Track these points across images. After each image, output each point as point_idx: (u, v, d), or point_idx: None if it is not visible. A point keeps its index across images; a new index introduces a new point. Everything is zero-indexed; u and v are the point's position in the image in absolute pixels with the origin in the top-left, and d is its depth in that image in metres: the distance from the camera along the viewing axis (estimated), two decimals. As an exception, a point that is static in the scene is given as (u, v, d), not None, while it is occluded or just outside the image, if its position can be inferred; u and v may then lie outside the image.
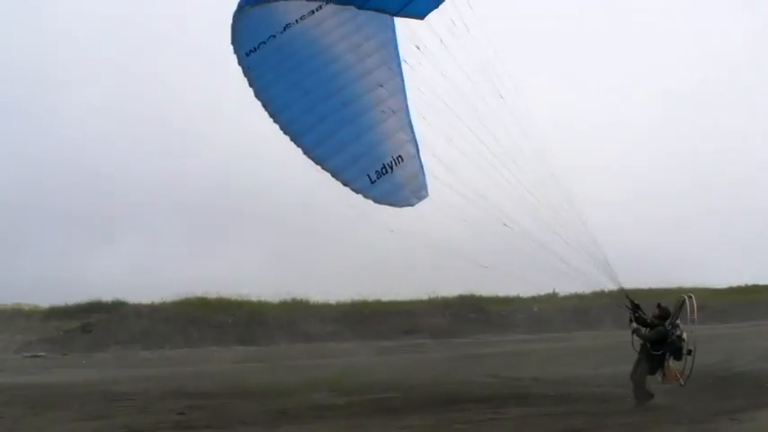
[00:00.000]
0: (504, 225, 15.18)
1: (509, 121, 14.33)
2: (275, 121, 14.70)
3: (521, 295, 47.23)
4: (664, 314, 16.67)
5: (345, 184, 14.79)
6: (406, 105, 14.74)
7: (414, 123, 14.83)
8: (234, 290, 43.79)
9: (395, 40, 14.53)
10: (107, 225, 56.16)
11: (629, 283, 17.26)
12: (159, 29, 70.12)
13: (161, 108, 62.59)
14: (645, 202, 63.50)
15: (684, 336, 16.13)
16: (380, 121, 14.64)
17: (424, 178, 15.04)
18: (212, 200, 55.19)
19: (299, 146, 14.68)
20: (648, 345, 16.46)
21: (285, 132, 14.69)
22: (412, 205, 15.15)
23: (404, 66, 14.58)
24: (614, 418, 14.83)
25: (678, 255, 54.15)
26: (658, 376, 16.76)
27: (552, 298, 47.65)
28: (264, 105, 14.69)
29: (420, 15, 13.03)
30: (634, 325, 16.69)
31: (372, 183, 14.63)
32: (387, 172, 14.61)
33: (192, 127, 61.55)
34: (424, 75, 14.22)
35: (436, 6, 12.91)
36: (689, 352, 15.93)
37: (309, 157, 14.69)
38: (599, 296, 46.89)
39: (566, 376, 22.14)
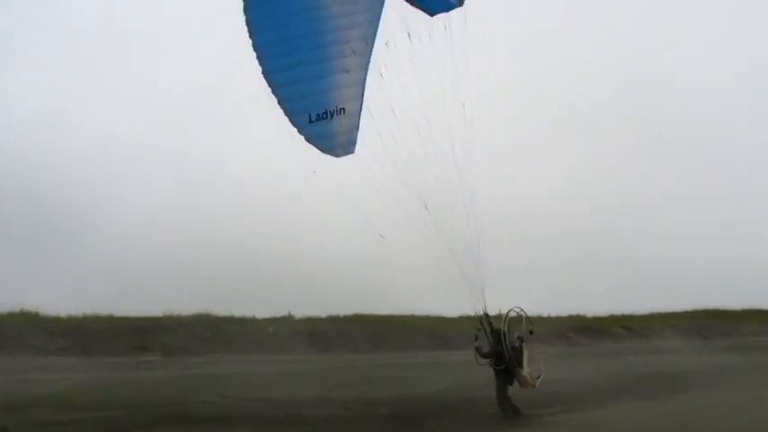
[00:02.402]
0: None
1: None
2: (250, 39, 15.66)
3: (256, 316, 47.18)
4: (498, 334, 17.91)
5: (287, 115, 15.93)
6: (366, 71, 15.88)
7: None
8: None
9: (380, 16, 15.75)
10: None
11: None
12: None
13: None
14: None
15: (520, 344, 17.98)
16: (337, 72, 15.86)
17: (356, 137, 16.18)
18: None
19: (261, 67, 15.70)
20: (492, 361, 17.86)
21: (254, 51, 15.68)
22: (337, 156, 16.36)
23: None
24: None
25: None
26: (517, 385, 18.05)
27: (287, 320, 47.90)
28: (246, 22, 15.65)
29: (431, 12, 15.85)
30: (476, 343, 18.14)
31: (310, 122, 15.77)
32: (326, 118, 15.77)
33: None
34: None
35: (447, 11, 15.72)
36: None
37: (266, 79, 15.77)
38: (334, 320, 48.00)
39: (297, 398, 22.29)
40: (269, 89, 15.88)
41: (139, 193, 57.60)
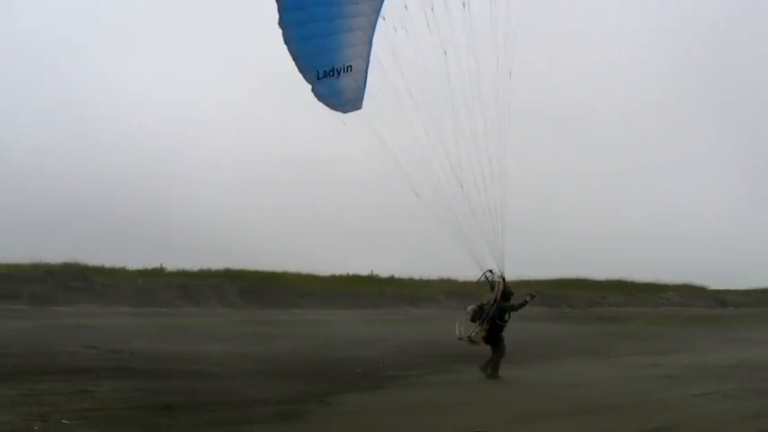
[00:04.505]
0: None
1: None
2: None
3: (127, 267, 46.46)
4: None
5: (300, 71, 16.50)
6: (373, 30, 16.41)
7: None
8: None
9: None
10: None
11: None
12: None
13: None
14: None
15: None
16: (346, 31, 16.28)
17: (363, 94, 16.97)
18: None
19: (280, 19, 15.75)
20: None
21: (278, 4, 15.65)
22: (345, 112, 17.33)
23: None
24: (208, 396, 14.98)
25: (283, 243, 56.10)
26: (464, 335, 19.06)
27: (159, 272, 47.34)
28: None
29: None
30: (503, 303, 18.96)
31: (318, 79, 16.44)
32: (333, 75, 16.40)
33: None
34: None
35: None
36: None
37: (283, 33, 15.88)
38: (206, 274, 47.65)
39: (164, 352, 22.12)
40: (285, 45, 16.11)
41: (5, 136, 55.84)
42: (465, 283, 58.38)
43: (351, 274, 55.08)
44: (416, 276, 56.82)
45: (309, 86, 16.75)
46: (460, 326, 19.20)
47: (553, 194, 66.88)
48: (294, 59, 16.31)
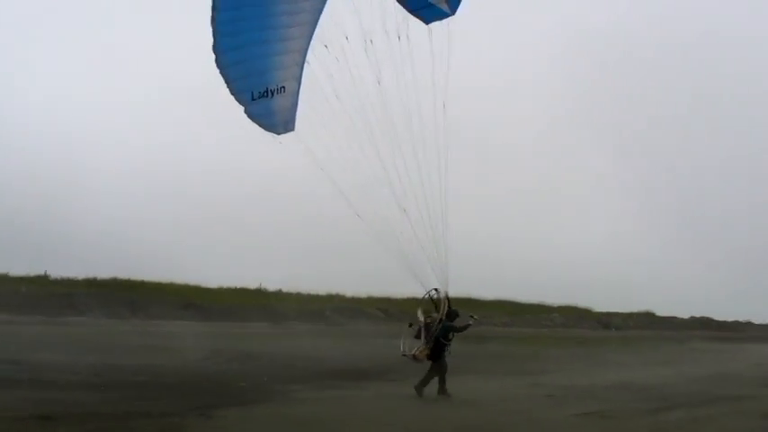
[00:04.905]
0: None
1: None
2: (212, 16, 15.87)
3: (9, 274, 45.29)
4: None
5: (233, 94, 16.68)
6: (305, 54, 16.89)
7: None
8: None
9: (323, 7, 16.41)
10: None
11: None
12: None
13: None
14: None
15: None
16: (281, 53, 16.71)
17: (294, 116, 17.30)
18: None
19: (215, 45, 16.08)
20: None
21: (213, 30, 15.92)
22: (278, 133, 17.51)
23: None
24: (88, 408, 14.90)
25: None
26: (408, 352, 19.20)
27: (43, 280, 46.33)
28: None
29: (426, 21, 16.35)
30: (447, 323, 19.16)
31: (253, 100, 16.70)
32: (267, 96, 16.72)
33: None
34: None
35: (441, 19, 16.12)
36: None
37: (216, 58, 16.18)
38: (92, 283, 46.75)
39: (46, 361, 21.77)
40: (217, 69, 16.41)
41: None
42: (353, 299, 58.92)
43: (238, 287, 54.81)
44: (304, 291, 56.91)
45: (242, 108, 16.96)
46: (405, 343, 19.42)
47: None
48: (227, 83, 16.58)
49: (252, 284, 55.24)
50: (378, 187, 17.59)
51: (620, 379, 25.58)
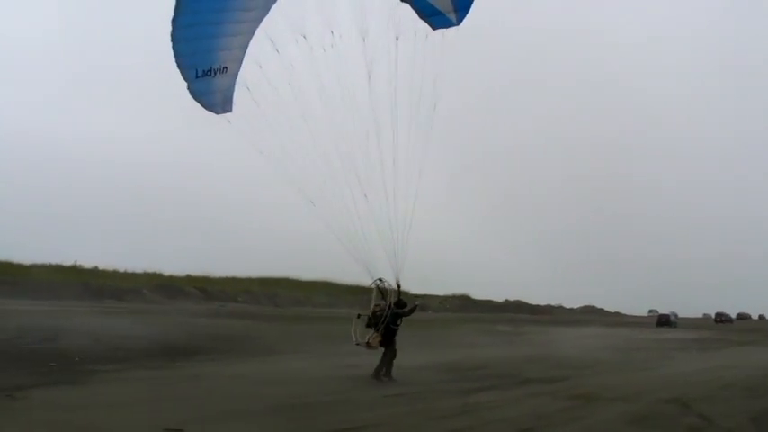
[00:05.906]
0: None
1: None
2: None
3: None
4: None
5: (179, 69, 16.87)
6: (250, 38, 17.26)
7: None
8: None
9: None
10: None
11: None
12: None
13: None
14: None
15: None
16: (230, 35, 16.99)
17: (232, 97, 17.75)
18: None
19: (174, 19, 16.15)
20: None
21: (176, 4, 16.04)
22: (216, 113, 17.88)
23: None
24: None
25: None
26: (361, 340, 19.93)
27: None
28: None
29: (434, 27, 16.91)
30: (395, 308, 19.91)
31: (196, 77, 17.00)
32: (210, 75, 17.09)
33: None
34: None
35: (446, 27, 16.83)
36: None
37: (172, 31, 16.29)
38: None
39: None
40: (170, 42, 16.53)
41: None
42: (171, 277, 57.99)
43: (53, 263, 53.05)
44: (121, 269, 55.68)
45: (186, 85, 17.20)
46: (356, 331, 20.10)
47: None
48: (176, 56, 16.79)
49: (67, 261, 53.57)
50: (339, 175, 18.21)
51: (436, 360, 26.34)
